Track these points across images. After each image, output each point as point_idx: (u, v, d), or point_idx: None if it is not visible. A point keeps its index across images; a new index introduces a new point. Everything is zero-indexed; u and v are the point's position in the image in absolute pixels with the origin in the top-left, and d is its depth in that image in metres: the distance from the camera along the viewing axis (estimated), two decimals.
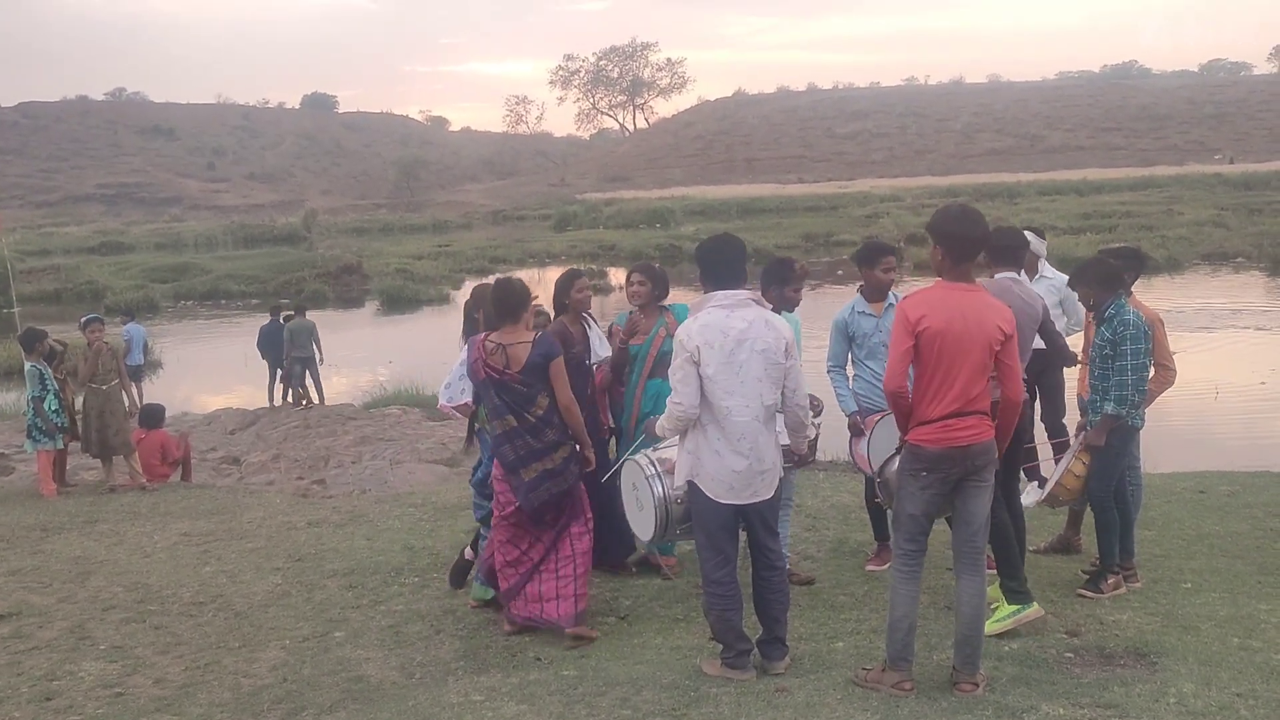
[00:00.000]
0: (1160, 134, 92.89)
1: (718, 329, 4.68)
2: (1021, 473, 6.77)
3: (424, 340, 24.07)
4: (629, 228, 53.87)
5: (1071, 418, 6.96)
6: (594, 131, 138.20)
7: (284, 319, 18.44)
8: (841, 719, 4.17)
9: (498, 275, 6.09)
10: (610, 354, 6.40)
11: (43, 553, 7.94)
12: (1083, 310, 6.54)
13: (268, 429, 15.27)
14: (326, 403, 17.65)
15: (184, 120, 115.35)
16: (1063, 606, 5.54)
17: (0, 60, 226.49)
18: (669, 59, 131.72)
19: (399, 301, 32.79)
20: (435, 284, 35.33)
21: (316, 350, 18.06)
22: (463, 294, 33.44)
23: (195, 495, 10.15)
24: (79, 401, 10.76)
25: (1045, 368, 6.90)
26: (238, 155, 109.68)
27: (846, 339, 6.27)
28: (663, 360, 6.09)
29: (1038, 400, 7.47)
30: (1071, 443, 6.22)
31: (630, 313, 6.47)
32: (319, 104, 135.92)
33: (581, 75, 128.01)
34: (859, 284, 6.37)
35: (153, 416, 11.57)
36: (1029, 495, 7.40)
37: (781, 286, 5.98)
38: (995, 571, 5.62)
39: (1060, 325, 7.49)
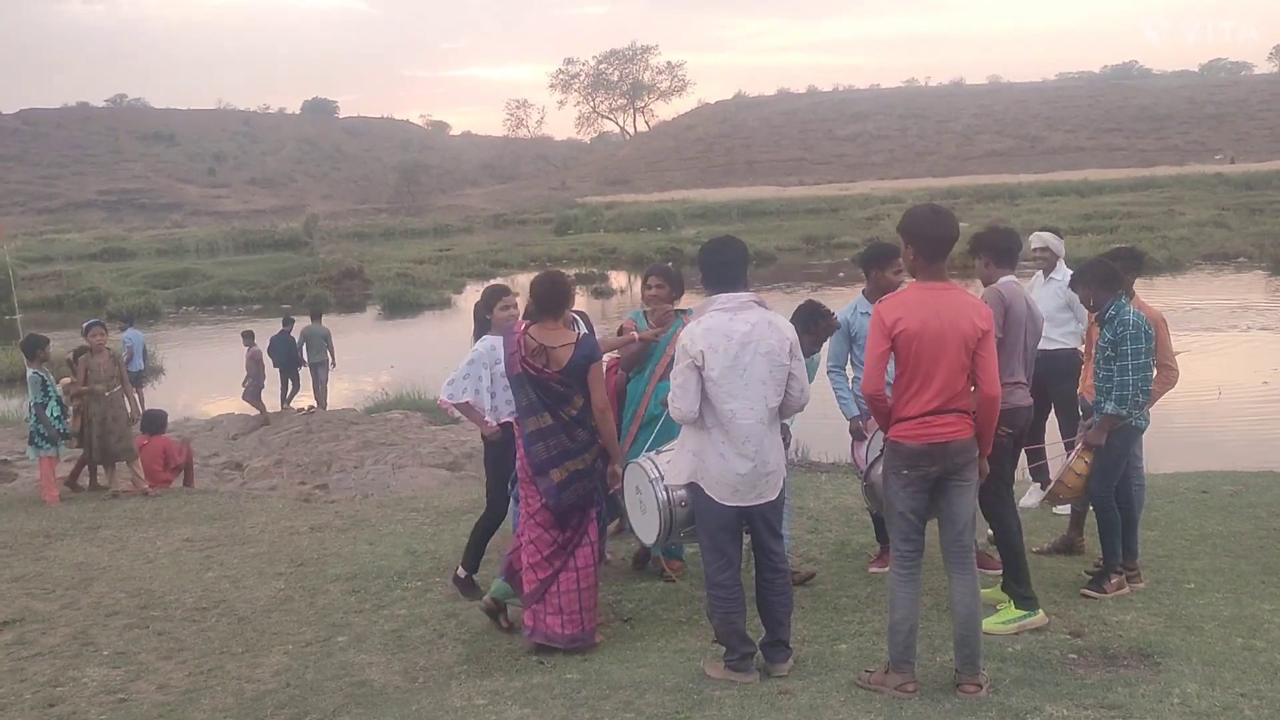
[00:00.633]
0: (1161, 134, 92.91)
1: (721, 332, 4.69)
2: (1028, 474, 6.78)
3: (426, 344, 24.13)
4: (630, 231, 53.92)
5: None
6: (594, 135, 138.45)
7: (284, 322, 18.56)
8: None
9: (540, 272, 5.98)
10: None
11: (45, 559, 7.95)
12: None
13: (270, 434, 15.28)
14: (329, 408, 17.67)
15: (185, 126, 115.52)
16: (1066, 607, 5.54)
17: (1, 67, 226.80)
18: (669, 62, 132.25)
19: (400, 306, 32.80)
20: (437, 288, 35.34)
21: (330, 356, 18.17)
22: (464, 298, 33.60)
23: (198, 501, 10.15)
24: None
25: (1050, 374, 6.90)
26: (238, 161, 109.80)
27: (848, 339, 6.27)
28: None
29: (1053, 411, 7.47)
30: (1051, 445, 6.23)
31: (644, 311, 6.44)
32: (320, 109, 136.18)
33: (582, 79, 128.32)
34: (862, 286, 6.36)
35: (155, 422, 11.57)
36: (1030, 496, 7.40)
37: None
38: (996, 573, 5.65)
39: (1069, 327, 7.49)
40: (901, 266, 6.16)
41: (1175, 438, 12.89)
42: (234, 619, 6.33)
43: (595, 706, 4.50)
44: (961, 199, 57.59)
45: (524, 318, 5.77)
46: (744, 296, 4.78)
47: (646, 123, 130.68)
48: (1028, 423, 5.73)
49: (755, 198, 69.44)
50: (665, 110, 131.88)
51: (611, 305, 29.86)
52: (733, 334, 4.67)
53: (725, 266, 4.85)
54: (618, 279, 38.06)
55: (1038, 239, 7.77)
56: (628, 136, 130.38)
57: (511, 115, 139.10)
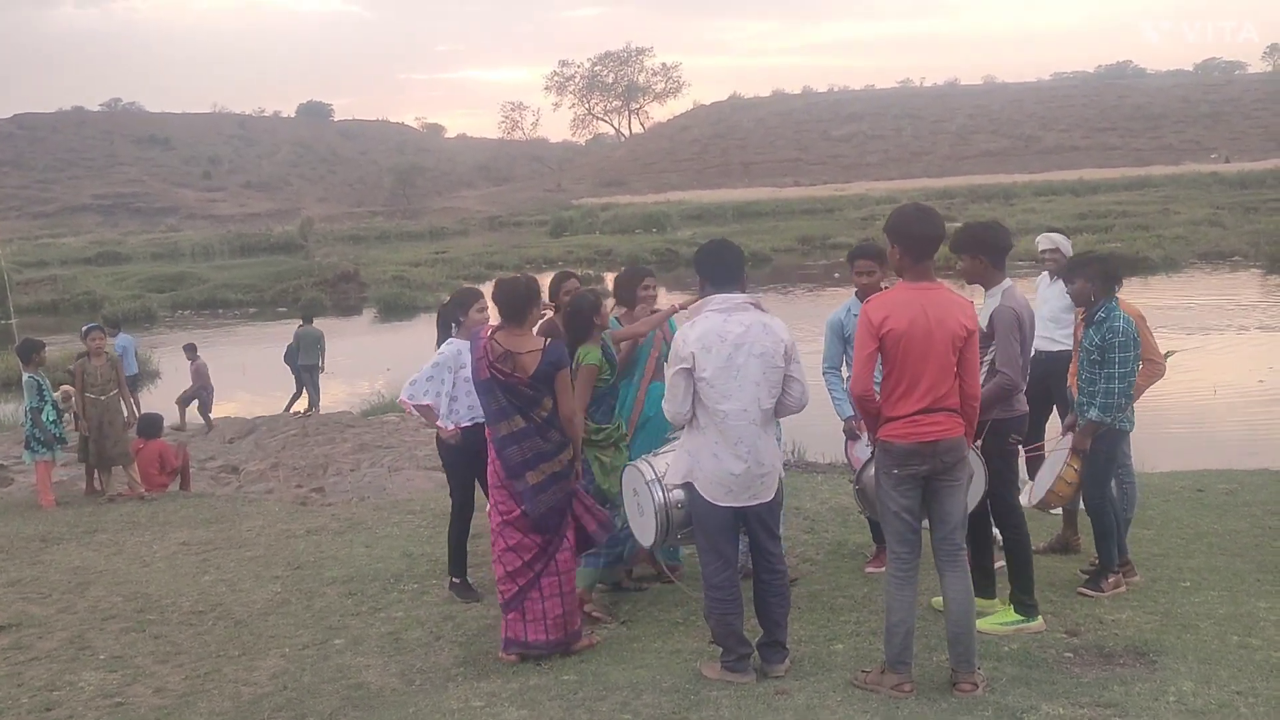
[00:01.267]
0: (1156, 133, 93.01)
1: (715, 333, 4.70)
2: (1025, 475, 6.72)
3: (422, 347, 24.03)
4: (625, 233, 53.93)
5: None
6: (589, 137, 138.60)
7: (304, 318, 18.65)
8: None
9: (501, 277, 5.97)
10: None
11: (42, 563, 7.94)
12: None
13: (266, 437, 15.27)
14: (323, 411, 17.68)
15: (180, 130, 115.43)
16: (1062, 606, 5.54)
17: None
18: (664, 64, 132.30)
19: (396, 309, 32.80)
20: (432, 290, 35.29)
21: (320, 358, 18.23)
22: None
23: (194, 504, 10.14)
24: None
25: (1052, 375, 6.89)
26: (234, 164, 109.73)
27: (841, 339, 6.28)
28: (661, 364, 6.14)
29: (1054, 411, 7.46)
30: (1049, 445, 6.20)
31: (617, 317, 6.44)
32: (315, 112, 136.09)
33: (577, 81, 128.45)
34: (855, 287, 6.36)
35: (151, 426, 11.56)
36: (1024, 495, 7.40)
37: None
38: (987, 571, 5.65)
39: (1072, 329, 7.46)
40: (864, 269, 6.15)
41: (1171, 437, 12.93)
42: (231, 622, 6.33)
43: (592, 708, 4.50)
44: (957, 199, 57.62)
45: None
46: (739, 298, 4.79)
47: (642, 124, 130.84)
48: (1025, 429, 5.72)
49: (751, 199, 69.44)
50: (660, 112, 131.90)
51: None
52: (727, 335, 4.68)
53: (721, 268, 4.87)
54: (613, 279, 38.04)
55: (1047, 240, 7.72)
56: (623, 138, 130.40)
57: (507, 117, 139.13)
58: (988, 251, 5.32)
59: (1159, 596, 5.65)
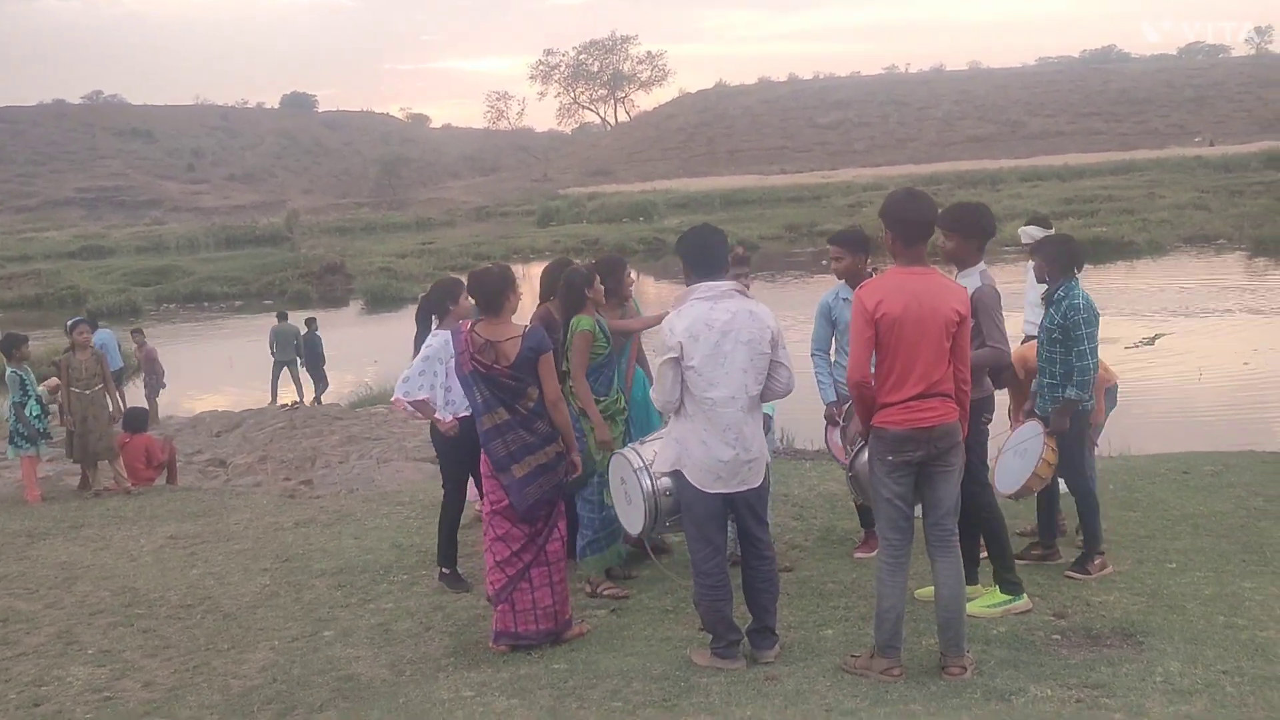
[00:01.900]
0: (1140, 118, 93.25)
1: (702, 321, 4.70)
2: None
3: (409, 338, 23.99)
4: (612, 222, 53.89)
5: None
6: (575, 126, 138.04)
7: (306, 322, 18.77)
8: (831, 706, 4.19)
9: (479, 267, 5.98)
10: None
11: (28, 558, 7.90)
12: None
13: (253, 430, 15.22)
14: (307, 404, 17.68)
15: (162, 122, 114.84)
16: (1049, 589, 5.57)
17: None
18: (649, 52, 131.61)
19: (383, 300, 32.74)
20: (419, 282, 35.16)
21: (297, 354, 18.26)
22: None
23: (181, 498, 10.11)
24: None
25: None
26: (217, 156, 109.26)
27: (829, 323, 6.28)
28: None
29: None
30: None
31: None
32: (298, 103, 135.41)
33: (562, 70, 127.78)
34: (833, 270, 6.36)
35: (136, 420, 11.51)
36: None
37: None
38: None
39: None
40: (834, 254, 6.16)
41: (1157, 419, 12.99)
42: (219, 615, 6.31)
43: (583, 695, 4.51)
44: (943, 185, 57.60)
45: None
46: (724, 285, 4.79)
47: (628, 113, 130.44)
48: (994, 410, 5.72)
49: (738, 187, 69.40)
50: (646, 100, 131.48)
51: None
52: (713, 323, 4.68)
53: (705, 256, 4.86)
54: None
55: (1026, 235, 7.73)
56: (609, 127, 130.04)
57: (492, 107, 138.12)
58: (976, 235, 5.33)
59: (1145, 578, 5.68)
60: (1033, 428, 5.80)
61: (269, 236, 56.58)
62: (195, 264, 42.38)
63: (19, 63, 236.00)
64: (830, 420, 6.25)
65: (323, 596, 6.52)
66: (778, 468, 6.41)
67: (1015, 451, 5.88)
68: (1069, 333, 5.59)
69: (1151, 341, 18.50)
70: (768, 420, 6.05)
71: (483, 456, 5.46)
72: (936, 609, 4.61)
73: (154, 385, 17.50)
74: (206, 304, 35.45)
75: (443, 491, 6.55)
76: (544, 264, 6.91)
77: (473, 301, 6.31)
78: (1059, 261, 5.76)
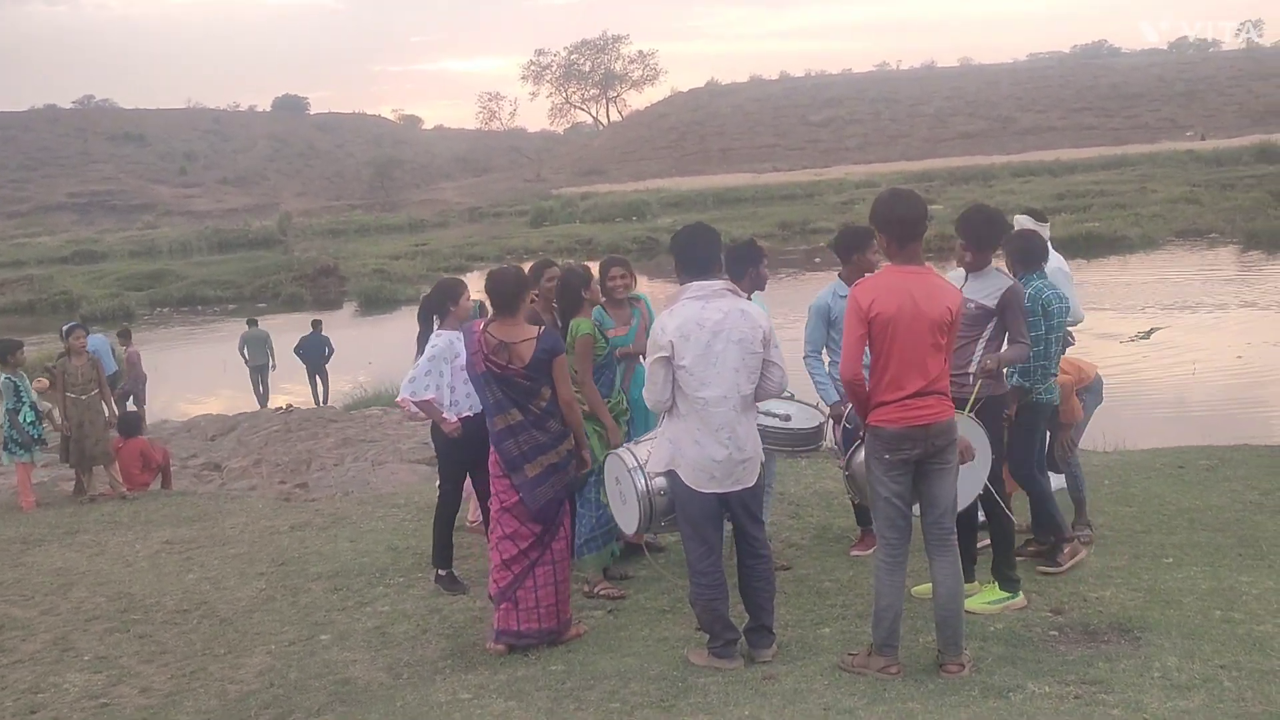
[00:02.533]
0: (1131, 112, 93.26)
1: (694, 321, 4.70)
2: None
3: (404, 340, 23.99)
4: (605, 221, 53.84)
5: None
6: (568, 126, 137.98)
7: (312, 324, 18.97)
8: (829, 704, 4.19)
9: (494, 269, 5.94)
10: None
11: (24, 565, 7.88)
12: (1078, 303, 6.45)
13: (248, 434, 15.18)
14: (303, 407, 17.65)
15: (154, 126, 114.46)
16: (1046, 585, 5.57)
17: None
18: (640, 51, 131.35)
19: (377, 302, 32.70)
20: (413, 283, 35.19)
21: (270, 358, 18.77)
22: None
23: (176, 503, 10.08)
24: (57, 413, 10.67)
25: None
26: (210, 160, 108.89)
27: (826, 323, 6.23)
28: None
29: None
30: None
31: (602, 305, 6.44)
32: (290, 106, 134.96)
33: (553, 70, 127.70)
34: (838, 269, 6.34)
35: (131, 424, 11.49)
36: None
37: (756, 267, 5.88)
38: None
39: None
40: (877, 248, 6.14)
41: (1152, 414, 13.02)
42: (216, 620, 6.30)
43: (580, 697, 4.51)
44: (936, 181, 57.72)
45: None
46: (716, 285, 4.79)
47: (620, 112, 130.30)
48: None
49: (730, 185, 69.35)
50: (638, 99, 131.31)
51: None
52: (705, 322, 4.68)
53: (697, 255, 4.86)
54: (596, 270, 37.98)
55: (1017, 224, 7.70)
56: (601, 127, 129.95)
57: (484, 108, 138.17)
58: (991, 247, 5.38)
59: (1142, 573, 5.69)
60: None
61: (262, 239, 56.41)
62: (188, 268, 42.27)
63: (9, 68, 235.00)
64: (837, 418, 6.23)
65: (319, 600, 6.50)
66: (773, 466, 6.40)
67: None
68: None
69: (1148, 335, 18.55)
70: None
71: (492, 456, 5.46)
72: (934, 607, 4.61)
73: (137, 392, 17.38)
74: (200, 308, 35.38)
75: (439, 492, 6.54)
76: (535, 263, 6.88)
77: (474, 302, 6.34)
78: (1016, 256, 5.78)
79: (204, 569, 7.39)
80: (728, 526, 4.97)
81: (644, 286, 6.77)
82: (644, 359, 5.28)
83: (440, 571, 6.46)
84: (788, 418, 5.85)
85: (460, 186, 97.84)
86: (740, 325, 4.71)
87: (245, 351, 18.93)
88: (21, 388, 10.33)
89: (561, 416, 5.38)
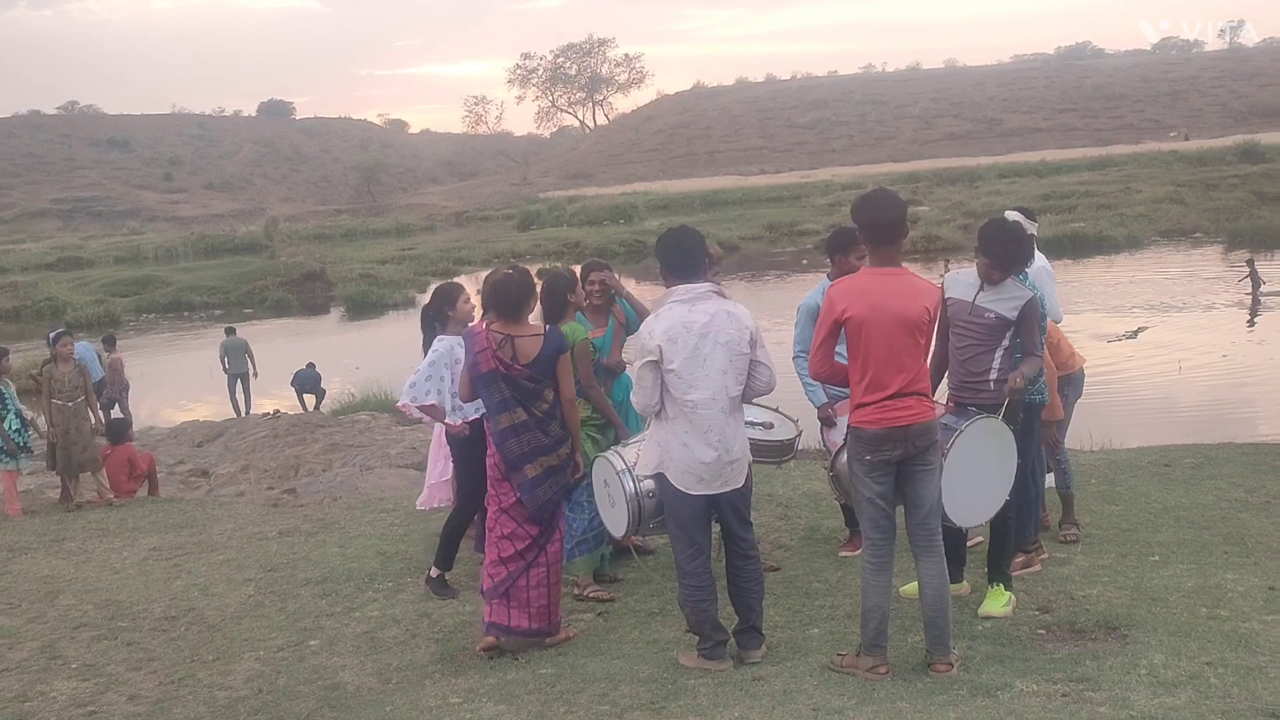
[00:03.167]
0: (1116, 113, 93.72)
1: (680, 323, 4.71)
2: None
3: (391, 345, 23.97)
4: (593, 224, 53.88)
5: None
6: (554, 129, 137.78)
7: (308, 365, 18.87)
8: (818, 705, 4.19)
9: (494, 273, 5.91)
10: None
11: (10, 573, 7.83)
12: (1057, 303, 6.47)
13: (235, 440, 15.15)
14: (291, 412, 17.63)
15: (139, 131, 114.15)
16: (1034, 584, 5.59)
17: None
18: (627, 54, 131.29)
19: (364, 307, 32.62)
20: (400, 288, 35.19)
21: (251, 365, 18.78)
22: (428, 297, 33.33)
23: (163, 509, 10.03)
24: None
25: None
26: (195, 165, 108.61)
27: (815, 324, 6.24)
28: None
29: None
30: None
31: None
32: (275, 111, 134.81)
33: (540, 73, 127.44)
34: (827, 270, 6.36)
35: (120, 431, 11.44)
36: None
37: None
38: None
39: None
40: (863, 252, 6.15)
41: (1138, 413, 13.08)
42: (204, 627, 6.27)
43: (570, 700, 4.50)
44: (922, 182, 57.96)
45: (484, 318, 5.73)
46: (702, 287, 4.80)
47: (606, 116, 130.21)
48: None
49: (717, 188, 69.51)
50: (624, 103, 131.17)
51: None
52: (692, 325, 4.69)
53: (682, 257, 4.87)
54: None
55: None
56: (588, 130, 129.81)
57: (470, 112, 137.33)
58: (1018, 264, 5.34)
59: (1128, 571, 5.71)
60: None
61: (248, 245, 56.25)
62: (174, 274, 42.11)
63: None
64: (826, 421, 6.25)
65: (308, 606, 6.49)
66: (761, 468, 6.41)
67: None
68: None
69: (1134, 335, 18.64)
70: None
71: (491, 458, 5.47)
72: (922, 607, 4.63)
73: (120, 399, 17.31)
74: (186, 314, 35.26)
75: (456, 494, 6.49)
76: (533, 268, 6.90)
77: (468, 305, 6.34)
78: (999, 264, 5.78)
79: (192, 575, 7.35)
80: (716, 528, 4.99)
81: (631, 289, 6.77)
82: (632, 364, 5.27)
83: (434, 572, 6.40)
84: (770, 426, 5.87)
85: (447, 190, 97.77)
86: (727, 327, 4.72)
87: (225, 361, 18.90)
88: (7, 395, 10.28)
89: (562, 420, 5.40)
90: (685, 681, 4.62)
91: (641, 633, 5.51)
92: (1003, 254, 5.15)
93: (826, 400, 6.19)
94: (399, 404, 6.52)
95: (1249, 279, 21.59)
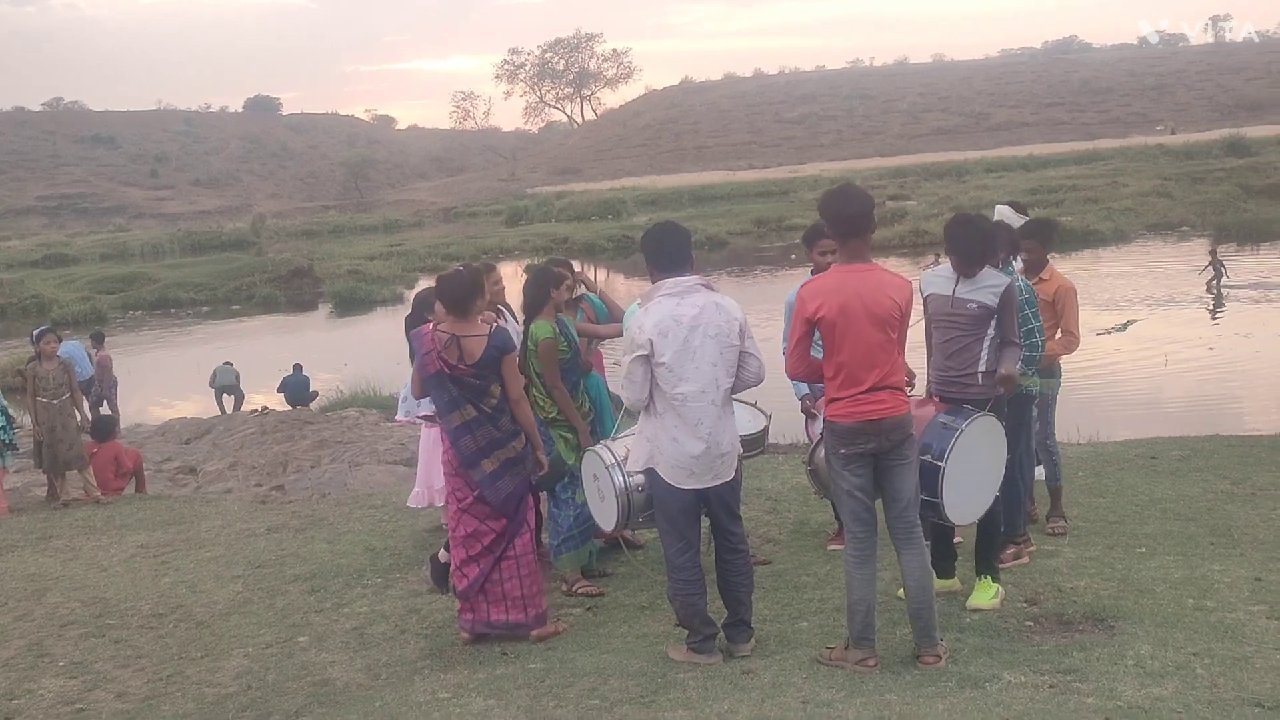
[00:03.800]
0: (1103, 107, 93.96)
1: (670, 317, 4.71)
2: None
3: (379, 341, 23.93)
4: (581, 220, 53.84)
5: None
6: (542, 125, 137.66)
7: (294, 367, 18.88)
8: (807, 698, 4.20)
9: (446, 270, 5.95)
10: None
11: None
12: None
13: (223, 437, 15.10)
14: (278, 409, 17.60)
15: (125, 128, 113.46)
16: (1021, 576, 5.61)
17: None
18: (614, 50, 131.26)
19: (352, 303, 32.55)
20: (388, 284, 35.12)
21: (236, 380, 19.14)
22: (416, 293, 33.25)
23: (151, 506, 10.01)
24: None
25: None
26: (181, 161, 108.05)
27: None
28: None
29: None
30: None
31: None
32: (262, 106, 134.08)
33: (527, 69, 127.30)
34: (810, 265, 6.36)
35: (106, 428, 11.40)
36: None
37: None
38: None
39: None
40: (829, 247, 6.15)
41: (1125, 405, 13.14)
42: (192, 624, 6.26)
43: (560, 694, 4.51)
44: (909, 177, 58.07)
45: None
46: (690, 280, 4.80)
47: (594, 111, 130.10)
48: None
49: (705, 183, 69.48)
50: (612, 98, 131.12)
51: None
52: (681, 317, 4.69)
53: (668, 251, 4.87)
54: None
55: (999, 213, 7.72)
56: (576, 125, 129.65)
57: (458, 107, 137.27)
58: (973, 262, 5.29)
59: (1116, 563, 5.74)
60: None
61: (235, 241, 55.94)
62: (161, 270, 41.93)
63: None
64: (808, 413, 6.27)
65: (296, 602, 6.48)
66: (750, 462, 6.42)
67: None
68: None
69: (1124, 327, 18.70)
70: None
71: (446, 455, 5.48)
72: (906, 600, 4.65)
73: (109, 396, 17.24)
74: (173, 310, 35.13)
75: None
76: (514, 264, 6.89)
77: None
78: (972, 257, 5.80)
79: (179, 573, 7.33)
80: (706, 523, 4.99)
81: (619, 284, 6.77)
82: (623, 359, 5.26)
83: (444, 556, 6.28)
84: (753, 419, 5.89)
85: (435, 186, 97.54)
86: (716, 319, 4.73)
87: (213, 381, 18.95)
88: None
89: (511, 413, 5.41)
90: (675, 675, 4.63)
91: (631, 627, 5.51)
92: (968, 251, 5.14)
93: (809, 392, 6.20)
94: (396, 420, 6.54)
95: (1210, 268, 21.98)
